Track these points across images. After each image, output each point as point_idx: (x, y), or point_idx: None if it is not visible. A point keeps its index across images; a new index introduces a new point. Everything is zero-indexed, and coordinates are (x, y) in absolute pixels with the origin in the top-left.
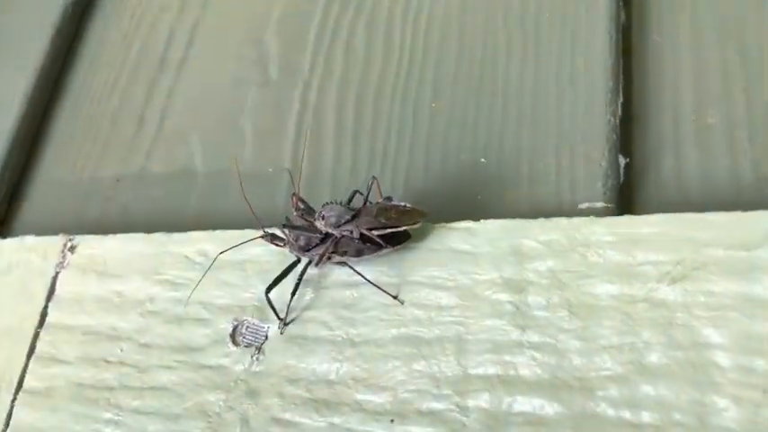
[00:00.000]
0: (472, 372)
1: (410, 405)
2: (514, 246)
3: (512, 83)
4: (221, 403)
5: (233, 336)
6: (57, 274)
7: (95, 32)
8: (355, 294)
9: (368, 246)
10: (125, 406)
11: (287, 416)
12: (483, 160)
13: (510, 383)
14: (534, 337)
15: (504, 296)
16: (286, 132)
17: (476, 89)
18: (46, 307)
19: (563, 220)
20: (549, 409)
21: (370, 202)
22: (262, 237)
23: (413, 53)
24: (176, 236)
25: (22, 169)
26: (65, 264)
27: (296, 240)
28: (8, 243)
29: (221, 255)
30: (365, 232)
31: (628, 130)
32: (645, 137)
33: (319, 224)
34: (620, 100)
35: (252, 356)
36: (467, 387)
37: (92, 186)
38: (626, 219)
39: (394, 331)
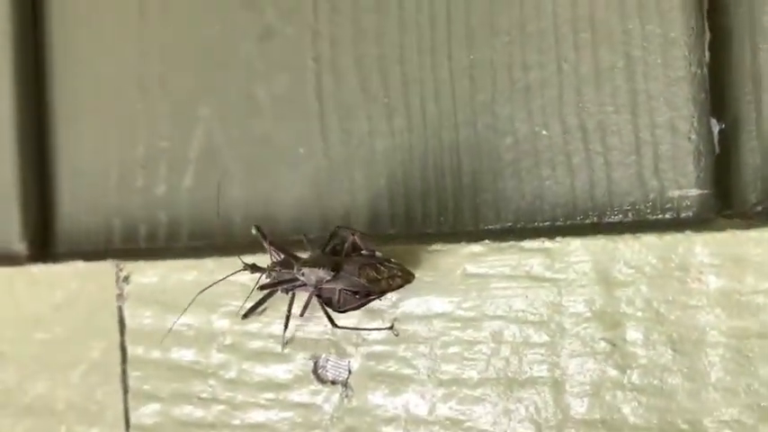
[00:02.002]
0: (574, 415)
1: None
2: (601, 271)
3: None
4: None
5: (315, 372)
6: (121, 306)
7: None
8: (430, 329)
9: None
10: None
11: None
12: (544, 132)
13: (616, 428)
14: (636, 378)
15: (597, 332)
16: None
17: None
18: (123, 342)
19: (653, 239)
20: None
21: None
22: (243, 270)
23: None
24: (226, 260)
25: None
26: (123, 295)
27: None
28: (59, 270)
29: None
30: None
31: (719, 80)
32: (741, 87)
33: (299, 275)
34: (707, 37)
35: (341, 394)
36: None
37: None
38: (730, 235)
39: (482, 371)
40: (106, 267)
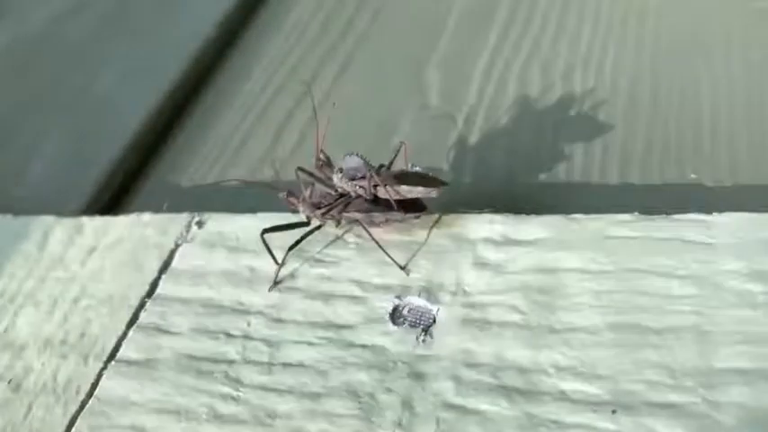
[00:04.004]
0: (720, 365)
1: (638, 396)
2: (763, 238)
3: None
4: (375, 384)
5: (392, 315)
6: (176, 247)
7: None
8: (555, 280)
9: (379, 207)
10: (248, 381)
11: (465, 402)
12: (693, 175)
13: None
14: None
15: (755, 287)
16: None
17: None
18: (158, 279)
19: None
20: None
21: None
22: (280, 194)
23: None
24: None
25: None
26: (188, 238)
27: (309, 197)
28: (120, 220)
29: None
30: (377, 192)
31: None
32: None
33: (336, 178)
34: None
35: (417, 338)
36: (715, 380)
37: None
38: None
39: (610, 319)
40: (179, 217)
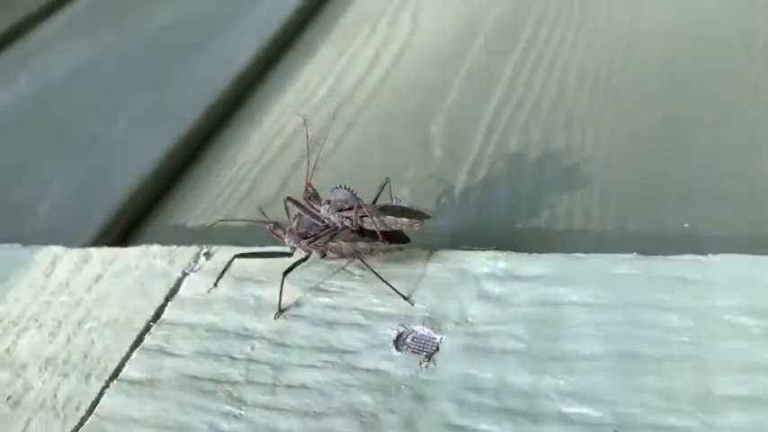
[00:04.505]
0: (719, 392)
1: (639, 418)
2: (756, 279)
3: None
4: (378, 405)
5: (396, 342)
6: (183, 276)
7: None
8: (556, 312)
9: (364, 238)
10: (250, 401)
11: (467, 422)
12: (686, 225)
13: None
14: None
15: (750, 320)
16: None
17: None
18: (164, 305)
19: None
20: None
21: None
22: (266, 223)
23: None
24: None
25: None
26: (195, 268)
27: (296, 227)
28: (128, 251)
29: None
30: (363, 223)
31: None
32: None
33: (324, 209)
34: None
35: (420, 363)
36: (714, 406)
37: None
38: None
39: (611, 347)
40: (188, 249)
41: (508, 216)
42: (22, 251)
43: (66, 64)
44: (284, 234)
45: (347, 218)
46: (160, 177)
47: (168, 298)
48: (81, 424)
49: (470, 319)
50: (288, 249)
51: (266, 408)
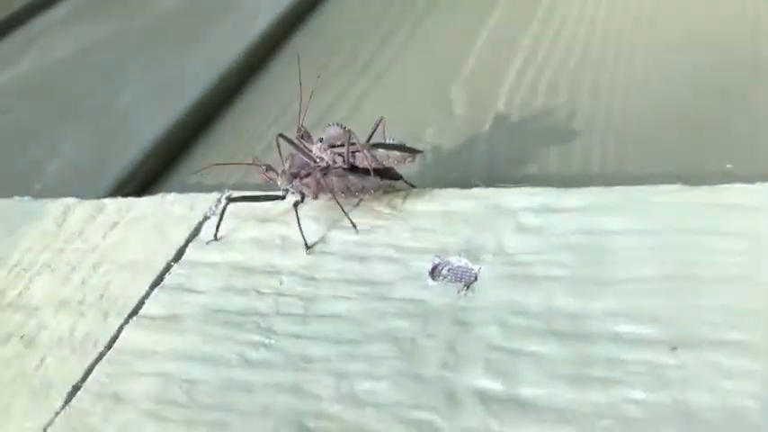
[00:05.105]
0: None
1: (698, 335)
2: None
3: None
4: (416, 330)
5: (432, 273)
6: (204, 219)
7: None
8: (601, 240)
9: (356, 175)
10: (280, 331)
11: (511, 344)
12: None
13: None
14: None
15: None
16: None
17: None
18: (184, 247)
19: None
20: None
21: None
22: (258, 165)
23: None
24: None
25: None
26: (217, 211)
27: (289, 168)
28: (144, 200)
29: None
30: (355, 161)
31: None
32: None
33: (316, 147)
34: None
35: (459, 292)
36: None
37: None
38: None
39: (663, 270)
40: (208, 196)
41: (539, 157)
42: (34, 204)
43: (71, 46)
44: (277, 176)
45: (339, 154)
46: (174, 138)
47: (189, 240)
48: (100, 358)
49: (509, 251)
50: (281, 192)
51: (297, 336)
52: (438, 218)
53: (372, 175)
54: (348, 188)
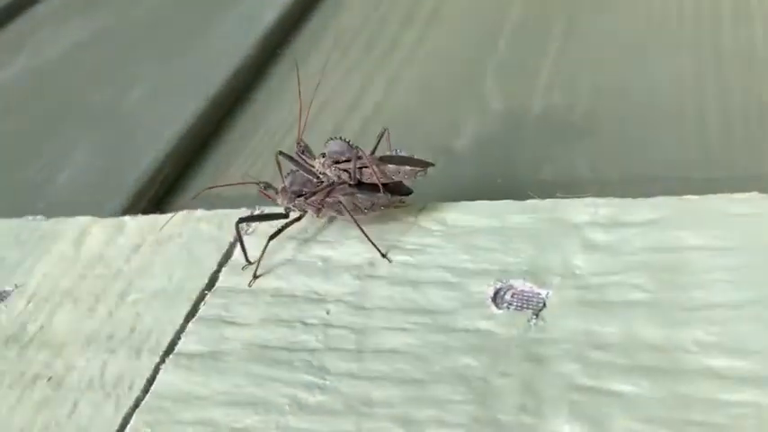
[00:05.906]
0: None
1: None
2: None
3: None
4: (487, 368)
5: (494, 299)
6: (234, 241)
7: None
8: (679, 258)
9: (364, 192)
10: (334, 369)
11: (594, 383)
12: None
13: None
14: None
15: None
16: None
17: None
18: (217, 272)
19: None
20: None
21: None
22: (256, 183)
23: None
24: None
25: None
26: (249, 231)
27: (290, 186)
28: (167, 217)
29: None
30: (362, 176)
31: None
32: None
33: (318, 163)
34: None
35: (528, 321)
36: None
37: None
38: None
39: (750, 294)
40: (234, 212)
41: (592, 162)
42: (47, 223)
43: (67, 41)
44: (276, 194)
45: (344, 171)
46: (187, 146)
47: (221, 264)
48: (137, 404)
49: (577, 271)
50: (283, 211)
51: (353, 376)
52: (494, 234)
53: (382, 191)
54: (356, 206)
